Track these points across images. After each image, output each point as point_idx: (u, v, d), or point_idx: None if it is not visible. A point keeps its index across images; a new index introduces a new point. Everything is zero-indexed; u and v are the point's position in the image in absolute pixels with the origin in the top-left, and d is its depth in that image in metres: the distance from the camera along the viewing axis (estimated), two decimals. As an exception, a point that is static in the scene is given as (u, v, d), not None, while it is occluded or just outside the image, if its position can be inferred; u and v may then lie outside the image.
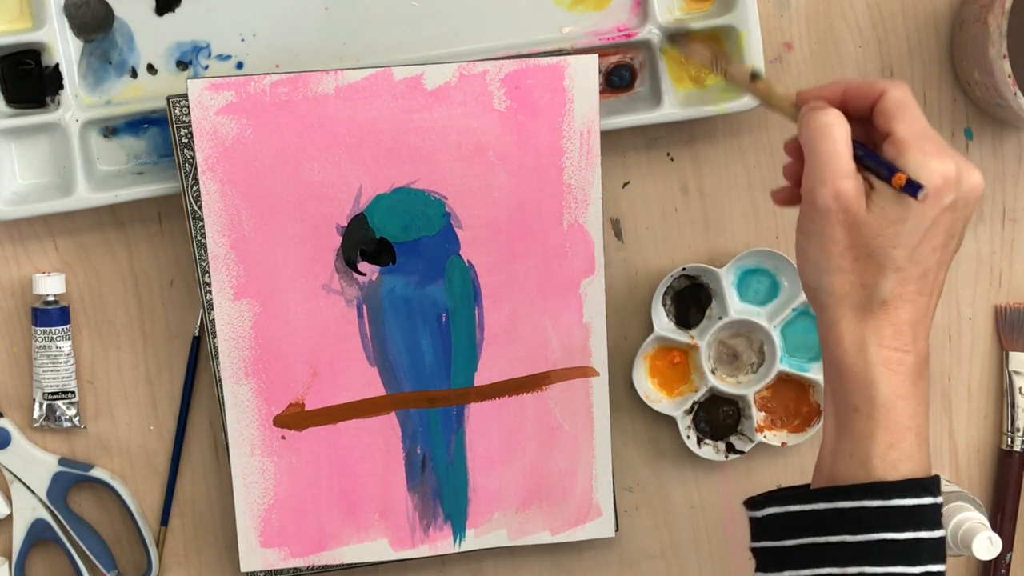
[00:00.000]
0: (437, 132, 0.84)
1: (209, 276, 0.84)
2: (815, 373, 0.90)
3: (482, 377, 0.87)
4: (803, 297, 0.89)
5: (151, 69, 0.86)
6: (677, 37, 0.83)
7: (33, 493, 0.88)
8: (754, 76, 0.73)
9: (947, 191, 0.64)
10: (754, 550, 0.69)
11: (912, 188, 0.63)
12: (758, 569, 0.68)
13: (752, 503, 0.69)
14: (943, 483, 0.87)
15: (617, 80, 0.88)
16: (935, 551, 0.65)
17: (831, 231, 0.65)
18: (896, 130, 0.65)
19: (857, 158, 0.65)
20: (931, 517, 0.65)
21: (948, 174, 0.64)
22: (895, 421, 0.65)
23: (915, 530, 0.65)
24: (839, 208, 0.64)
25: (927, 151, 0.64)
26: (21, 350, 0.89)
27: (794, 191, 0.71)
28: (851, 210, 0.64)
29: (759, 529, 0.69)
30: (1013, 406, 0.92)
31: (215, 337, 0.85)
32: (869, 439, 0.65)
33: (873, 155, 0.65)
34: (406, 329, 0.86)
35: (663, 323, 0.90)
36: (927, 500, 0.65)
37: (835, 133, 0.65)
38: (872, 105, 0.67)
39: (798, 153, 0.70)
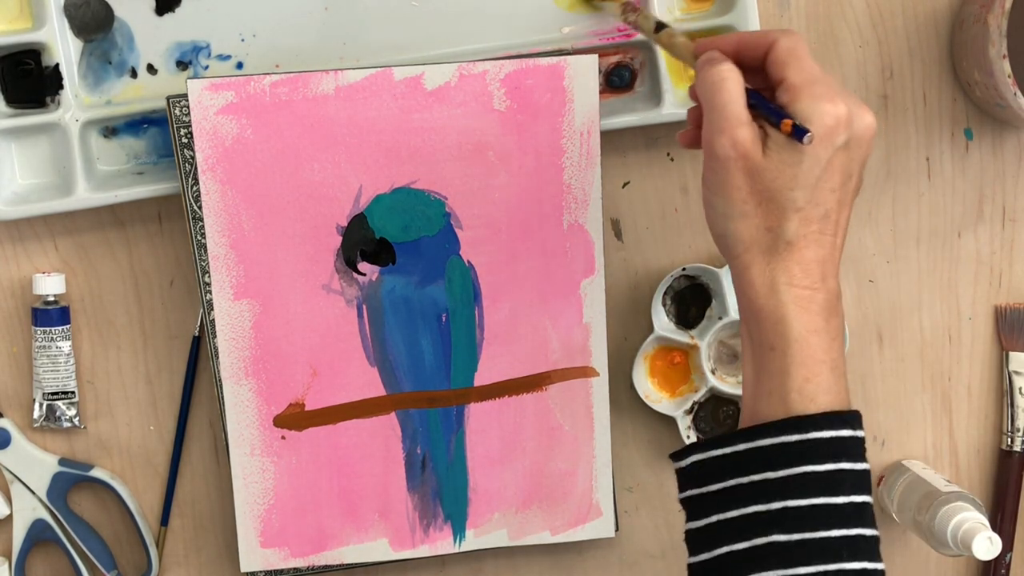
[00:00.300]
0: (437, 132, 0.84)
1: (209, 276, 0.84)
2: (815, 373, 0.90)
3: (482, 377, 0.87)
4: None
5: (151, 69, 0.86)
6: None
7: (33, 493, 0.88)
8: (659, 27, 0.77)
9: (838, 132, 0.66)
10: (682, 501, 0.69)
11: (799, 133, 0.65)
12: (688, 520, 0.69)
13: (676, 454, 0.70)
14: (943, 483, 0.87)
15: (617, 80, 0.88)
16: (858, 482, 0.66)
17: (732, 178, 0.66)
18: (787, 77, 0.67)
19: (751, 106, 0.67)
20: (852, 449, 0.66)
21: (839, 115, 0.66)
22: (810, 356, 0.66)
23: (835, 462, 0.65)
24: (737, 155, 0.66)
25: (817, 94, 0.66)
26: (21, 350, 0.89)
27: (697, 134, 0.72)
28: (748, 156, 0.66)
29: (685, 479, 0.69)
30: (1013, 406, 0.92)
31: (215, 337, 0.85)
32: (786, 375, 0.66)
33: (764, 102, 0.67)
34: (406, 329, 0.86)
35: (663, 323, 0.90)
36: (846, 432, 0.65)
37: (729, 85, 0.67)
38: (764, 55, 0.68)
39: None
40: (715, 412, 0.91)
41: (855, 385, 0.92)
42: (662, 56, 0.86)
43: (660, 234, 0.90)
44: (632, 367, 0.90)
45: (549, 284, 0.87)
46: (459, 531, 0.89)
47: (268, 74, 0.82)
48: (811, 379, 0.66)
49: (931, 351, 0.93)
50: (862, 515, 0.65)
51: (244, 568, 0.88)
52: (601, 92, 0.86)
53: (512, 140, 0.85)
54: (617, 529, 0.90)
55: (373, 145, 0.84)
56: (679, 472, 0.70)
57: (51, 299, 0.87)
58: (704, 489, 0.67)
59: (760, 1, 0.87)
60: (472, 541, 0.89)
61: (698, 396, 0.90)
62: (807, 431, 0.65)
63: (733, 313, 0.88)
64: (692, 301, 0.90)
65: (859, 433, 0.66)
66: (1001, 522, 0.92)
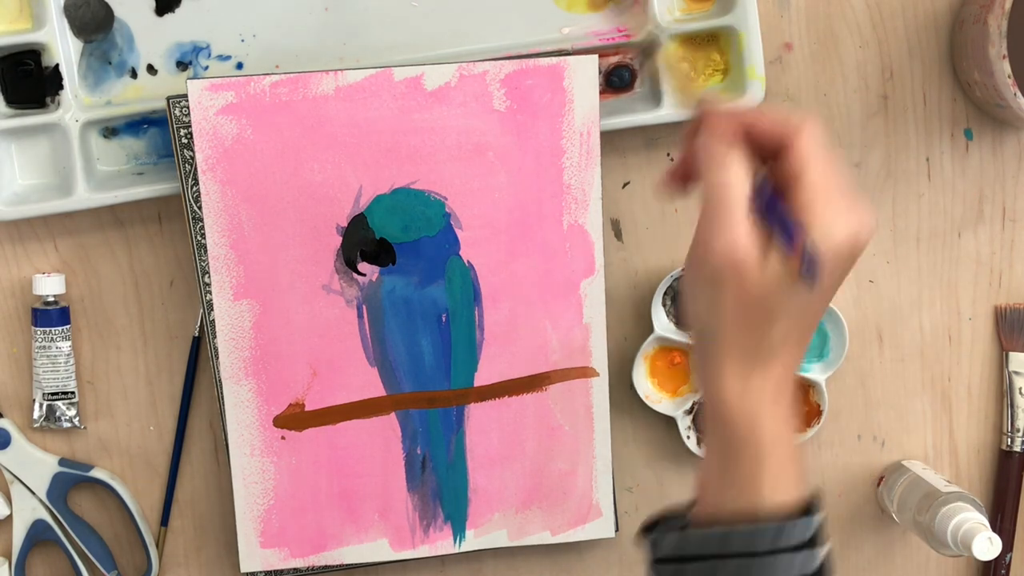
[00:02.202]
0: (437, 132, 0.84)
1: (209, 276, 0.84)
2: (815, 373, 0.90)
3: (482, 377, 0.87)
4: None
5: (151, 69, 0.86)
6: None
7: (33, 493, 0.88)
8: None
9: (846, 254, 0.63)
10: (653, 569, 0.68)
11: (808, 274, 0.61)
12: None
13: (648, 528, 0.69)
14: (943, 484, 0.87)
15: (617, 81, 0.88)
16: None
17: (722, 289, 0.63)
18: (805, 181, 0.62)
19: (758, 208, 0.62)
20: (815, 538, 0.64)
21: (855, 234, 0.62)
22: (778, 457, 0.64)
23: (798, 551, 0.64)
24: (733, 273, 0.62)
25: (839, 209, 0.62)
26: (21, 350, 0.89)
27: (684, 183, 0.69)
28: (745, 275, 0.62)
29: (656, 549, 0.68)
30: (1013, 406, 0.92)
31: (215, 337, 0.85)
32: (755, 477, 0.64)
33: (777, 215, 0.62)
34: (406, 329, 0.86)
35: (663, 323, 0.90)
36: (813, 525, 0.64)
37: (735, 194, 0.62)
38: (780, 143, 0.64)
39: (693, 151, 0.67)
40: (715, 412, 0.91)
41: (855, 385, 0.92)
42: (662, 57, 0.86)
43: (660, 234, 0.90)
44: (632, 367, 0.90)
45: (549, 284, 0.87)
46: (459, 531, 0.89)
47: (268, 74, 0.82)
48: (780, 479, 0.64)
49: (931, 351, 0.93)
50: None
51: (244, 568, 0.88)
52: (601, 92, 0.86)
53: (512, 140, 0.85)
54: (617, 529, 0.90)
55: (373, 145, 0.84)
56: (650, 542, 0.69)
57: (51, 299, 0.87)
58: (667, 565, 0.67)
59: (760, 1, 0.87)
60: (472, 541, 0.89)
61: (698, 396, 0.90)
62: (779, 536, 0.63)
63: (733, 313, 0.88)
64: (692, 301, 0.90)
65: (819, 521, 0.65)
66: (1001, 522, 0.92)
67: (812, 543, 0.64)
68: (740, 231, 0.62)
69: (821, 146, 0.63)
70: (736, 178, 0.63)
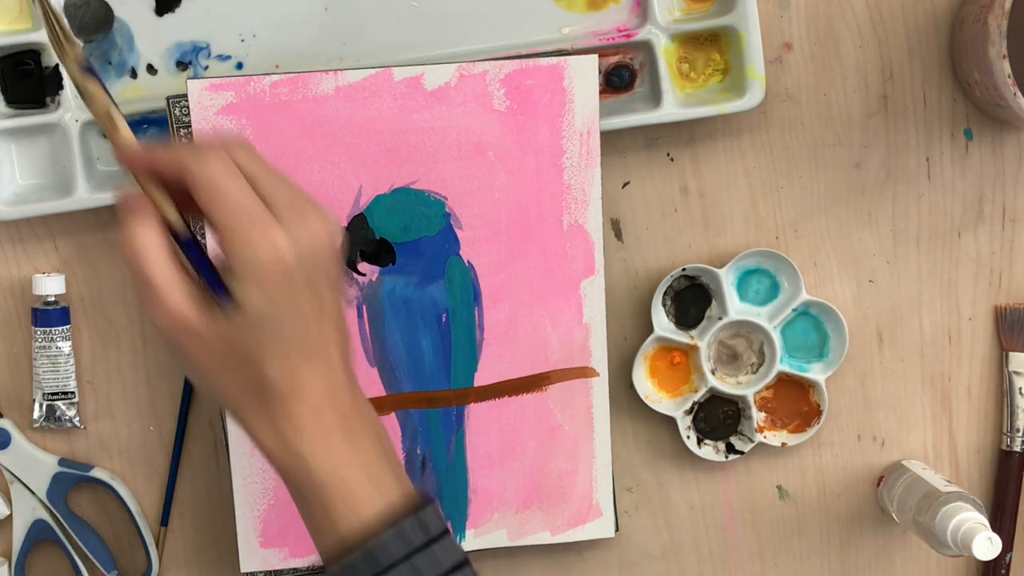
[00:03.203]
0: (437, 132, 0.84)
1: (209, 276, 0.84)
2: (815, 373, 0.90)
3: (482, 377, 0.87)
4: (803, 297, 0.89)
5: (151, 69, 0.86)
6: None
7: (33, 494, 0.88)
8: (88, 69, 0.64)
9: (280, 271, 0.60)
10: None
11: (221, 299, 0.61)
12: None
13: None
14: (943, 484, 0.87)
15: (617, 80, 0.88)
16: (441, 555, 0.63)
17: (186, 349, 0.61)
18: (211, 216, 0.60)
19: (192, 258, 0.61)
20: (422, 532, 0.63)
21: (277, 249, 0.60)
22: (344, 491, 0.62)
23: (409, 559, 0.62)
24: (179, 330, 0.61)
25: (245, 234, 0.60)
26: (21, 350, 0.89)
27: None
28: (193, 327, 0.60)
29: None
30: (1013, 406, 0.92)
31: (215, 337, 0.85)
32: (328, 516, 0.63)
33: (198, 259, 0.61)
34: (406, 329, 0.86)
35: (663, 323, 0.90)
36: (408, 524, 0.62)
37: (148, 254, 0.60)
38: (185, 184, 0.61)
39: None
40: (715, 412, 0.91)
41: (855, 385, 0.92)
42: (662, 57, 0.86)
43: (660, 234, 0.90)
44: (632, 367, 0.90)
45: (549, 284, 0.87)
46: (459, 531, 0.89)
47: (268, 74, 0.82)
48: (354, 508, 0.62)
49: (931, 351, 0.93)
50: None
51: (244, 568, 0.88)
52: (601, 92, 0.86)
53: (512, 140, 0.85)
54: (617, 529, 0.90)
55: (373, 145, 0.84)
56: None
57: (51, 299, 0.87)
58: None
59: (760, 1, 0.87)
60: (472, 541, 0.89)
61: (698, 396, 0.90)
62: (378, 559, 0.62)
63: (733, 313, 0.89)
64: (692, 301, 0.90)
65: (420, 518, 0.63)
66: (1001, 522, 0.92)
67: (410, 556, 0.62)
68: (170, 301, 0.60)
69: (215, 178, 0.61)
70: (147, 239, 0.61)
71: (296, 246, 0.61)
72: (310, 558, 0.88)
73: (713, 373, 0.90)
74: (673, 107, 0.86)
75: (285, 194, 0.62)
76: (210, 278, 0.62)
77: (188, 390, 0.89)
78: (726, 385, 0.90)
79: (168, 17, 0.85)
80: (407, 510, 0.63)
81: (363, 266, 0.85)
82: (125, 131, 0.64)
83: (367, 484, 0.63)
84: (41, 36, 0.84)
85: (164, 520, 0.90)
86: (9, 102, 0.85)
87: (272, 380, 0.62)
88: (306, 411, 0.63)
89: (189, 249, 0.62)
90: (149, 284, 0.61)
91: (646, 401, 0.90)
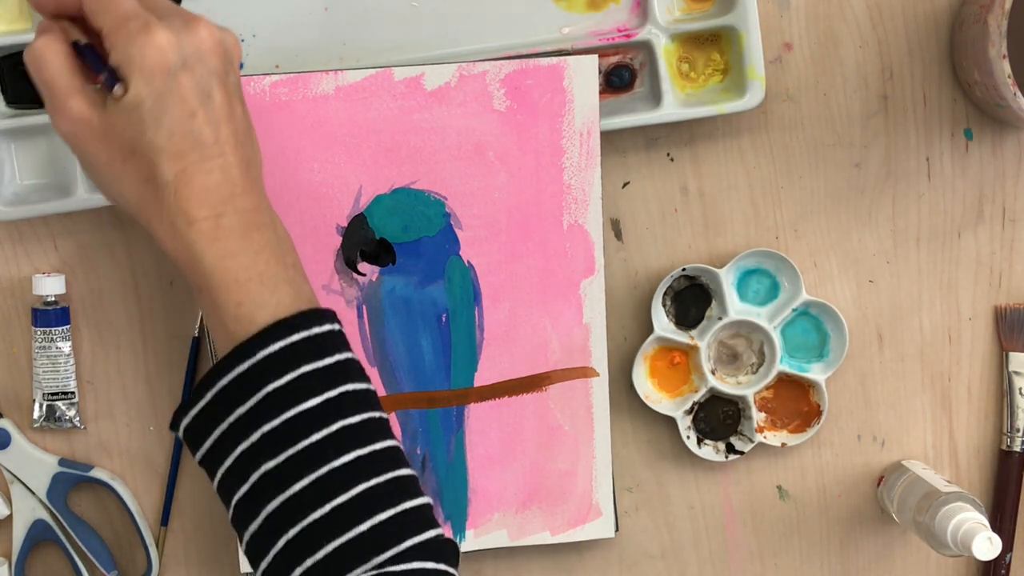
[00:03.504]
0: (437, 132, 0.84)
1: (209, 276, 0.84)
2: (815, 373, 0.90)
3: (482, 377, 0.87)
4: (803, 297, 0.89)
5: (151, 69, 0.86)
6: None
7: (33, 494, 0.88)
8: None
9: (163, 64, 0.64)
10: (200, 465, 0.69)
11: (110, 84, 0.65)
12: (210, 479, 0.68)
13: (173, 424, 0.68)
14: (943, 484, 0.87)
15: (617, 80, 0.88)
16: (326, 379, 0.65)
17: (88, 148, 0.66)
18: (101, 25, 0.65)
19: (85, 64, 0.66)
20: (313, 349, 0.65)
21: (160, 46, 0.64)
22: (232, 281, 0.65)
23: (296, 369, 0.64)
24: (79, 130, 0.65)
25: (132, 32, 0.64)
26: (21, 350, 0.89)
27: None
28: (89, 126, 0.65)
29: (190, 444, 0.68)
30: (1013, 406, 0.92)
31: (215, 337, 0.85)
32: (218, 308, 0.65)
33: (91, 57, 0.66)
34: (406, 329, 0.86)
35: (663, 323, 0.90)
36: (297, 336, 0.65)
37: (47, 60, 0.66)
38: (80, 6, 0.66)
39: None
40: (715, 412, 0.91)
41: (855, 385, 0.92)
42: (662, 57, 0.86)
43: (660, 234, 0.90)
44: (632, 367, 0.89)
45: (549, 284, 0.87)
46: (459, 531, 0.89)
47: (268, 74, 0.82)
48: (242, 302, 0.65)
49: (931, 351, 0.93)
50: (341, 408, 0.65)
51: (244, 568, 0.88)
52: (601, 92, 0.86)
53: (512, 140, 0.85)
54: (617, 529, 0.90)
55: (373, 145, 0.83)
56: (184, 440, 0.68)
57: (51, 299, 0.87)
58: (201, 449, 0.67)
59: (760, 1, 0.87)
60: (472, 541, 0.89)
61: (698, 396, 0.90)
62: (254, 353, 0.64)
63: (733, 313, 0.88)
64: (692, 301, 0.90)
65: (316, 330, 0.65)
66: (1001, 522, 0.92)
67: (298, 364, 0.64)
68: (66, 93, 0.65)
69: None
70: (46, 47, 0.66)
71: (179, 45, 0.65)
72: (310, 558, 0.88)
73: (713, 373, 0.90)
74: (673, 107, 0.86)
75: (176, 9, 0.67)
76: (108, 75, 0.66)
77: (188, 390, 0.89)
78: (726, 385, 0.90)
79: (168, 17, 0.85)
80: (297, 320, 0.65)
81: (363, 266, 0.85)
82: None
83: (260, 288, 0.66)
84: (41, 36, 0.84)
85: (164, 520, 0.90)
86: (9, 102, 0.85)
87: (161, 169, 0.65)
88: (197, 205, 0.66)
89: (87, 54, 0.67)
90: (52, 88, 0.66)
91: (646, 401, 0.90)
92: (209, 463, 0.67)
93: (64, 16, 0.68)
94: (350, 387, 0.66)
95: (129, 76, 0.64)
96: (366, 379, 0.68)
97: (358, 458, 0.65)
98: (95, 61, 0.66)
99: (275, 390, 0.64)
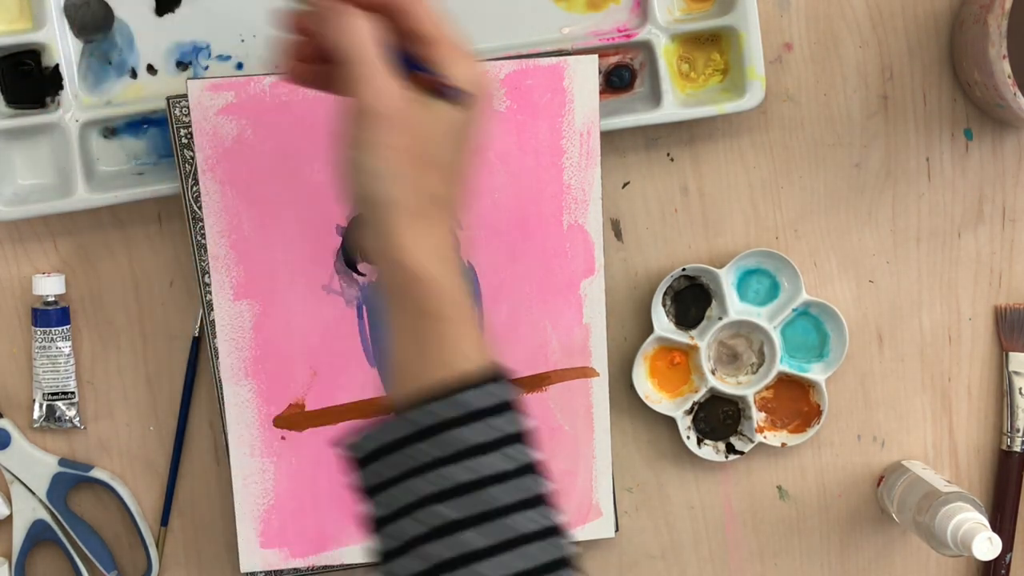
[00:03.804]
0: (437, 132, 0.84)
1: (209, 276, 0.84)
2: (815, 373, 0.90)
3: (482, 377, 0.87)
4: (803, 297, 0.89)
5: (151, 69, 0.86)
6: None
7: (33, 494, 0.88)
8: None
9: (489, 96, 0.67)
10: (365, 494, 0.65)
11: (453, 93, 0.65)
12: (375, 511, 0.64)
13: (352, 446, 0.65)
14: (943, 484, 0.87)
15: (617, 80, 0.88)
16: (524, 443, 0.64)
17: (385, 136, 0.63)
18: (420, 29, 0.65)
19: (397, 61, 0.65)
20: (507, 406, 0.64)
21: (479, 76, 0.66)
22: (466, 316, 0.64)
23: (500, 428, 0.63)
24: (394, 113, 0.63)
25: (464, 55, 0.65)
26: (21, 350, 0.89)
27: (313, 69, 0.70)
28: (406, 114, 0.64)
29: (363, 471, 0.65)
30: (1013, 406, 0.92)
31: (215, 338, 0.85)
32: (452, 340, 0.64)
33: (410, 60, 0.65)
34: (406, 329, 0.86)
35: (663, 323, 0.90)
36: (499, 390, 0.63)
37: (364, 41, 0.64)
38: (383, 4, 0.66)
39: (311, 32, 0.69)
40: (715, 412, 0.91)
41: (855, 385, 0.92)
42: (662, 57, 0.86)
43: (660, 234, 0.90)
44: (632, 367, 0.90)
45: (549, 284, 0.87)
46: (459, 531, 0.89)
47: (268, 74, 0.82)
48: (462, 342, 0.64)
49: (931, 351, 0.93)
50: (536, 477, 0.63)
51: (244, 568, 0.88)
52: (601, 92, 0.86)
53: (512, 140, 0.85)
54: (617, 529, 0.90)
55: (373, 145, 0.83)
56: (357, 462, 0.65)
57: (51, 299, 0.87)
58: (381, 476, 0.64)
59: (760, 2, 0.87)
60: (472, 541, 0.89)
61: (698, 396, 0.90)
62: (462, 390, 0.62)
63: (733, 313, 0.88)
64: (692, 301, 0.90)
65: (508, 393, 0.64)
66: (1001, 522, 0.92)
67: (505, 407, 0.63)
68: (383, 79, 0.63)
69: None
70: (363, 26, 0.64)
71: (485, 84, 0.66)
72: (310, 558, 0.88)
73: (713, 373, 0.90)
74: (673, 107, 0.86)
75: (455, 34, 0.67)
76: (421, 68, 0.65)
77: (188, 390, 0.89)
78: (726, 385, 0.90)
79: (168, 17, 0.85)
80: (491, 373, 0.64)
81: (363, 266, 0.85)
82: None
83: (473, 334, 0.65)
84: (41, 36, 0.84)
85: (164, 520, 0.90)
86: (9, 102, 0.85)
87: (437, 187, 0.65)
88: (447, 231, 0.66)
89: (402, 53, 0.65)
90: (365, 62, 0.63)
91: (646, 401, 0.90)
92: (380, 493, 0.64)
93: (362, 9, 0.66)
94: (536, 455, 0.65)
95: (460, 81, 0.65)
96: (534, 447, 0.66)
97: (546, 528, 0.63)
98: (414, 64, 0.65)
99: (474, 446, 0.62)
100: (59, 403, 0.88)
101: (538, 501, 0.63)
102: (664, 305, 0.90)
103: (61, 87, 0.85)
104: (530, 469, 0.63)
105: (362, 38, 0.64)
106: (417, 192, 0.64)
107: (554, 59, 0.84)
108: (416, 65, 0.65)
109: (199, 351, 0.89)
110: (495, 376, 0.63)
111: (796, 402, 0.91)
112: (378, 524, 0.64)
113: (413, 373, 0.64)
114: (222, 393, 0.85)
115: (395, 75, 0.64)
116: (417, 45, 0.66)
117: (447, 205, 0.66)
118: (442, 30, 0.66)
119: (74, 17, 0.85)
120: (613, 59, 0.88)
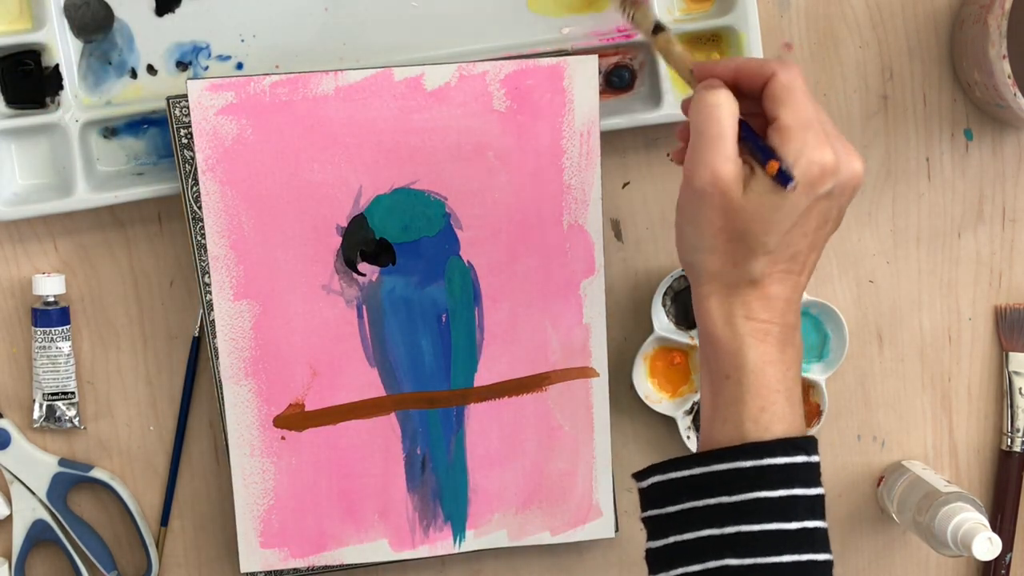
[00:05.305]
0: (437, 132, 0.84)
1: (209, 276, 0.84)
2: (815, 373, 0.90)
3: (482, 378, 0.87)
4: (803, 297, 0.89)
5: (151, 70, 0.86)
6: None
7: (33, 494, 0.88)
8: (657, 28, 0.74)
9: (823, 182, 0.65)
10: (643, 520, 0.70)
11: (783, 178, 0.64)
12: (648, 539, 0.70)
13: (639, 474, 0.70)
14: (943, 484, 0.87)
15: (617, 81, 0.88)
16: (811, 507, 0.66)
17: (706, 213, 0.66)
18: (780, 116, 0.66)
19: (741, 139, 0.66)
20: (806, 475, 0.66)
21: (826, 164, 0.65)
22: (764, 385, 0.67)
23: (788, 488, 0.65)
24: (716, 191, 0.65)
25: (808, 141, 0.65)
26: (21, 350, 0.89)
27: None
28: (728, 194, 0.65)
29: (645, 499, 0.70)
30: (1013, 406, 0.92)
31: (215, 338, 0.85)
32: (741, 404, 0.67)
33: (755, 138, 0.66)
34: (406, 330, 0.86)
35: (663, 323, 0.90)
36: (800, 459, 0.66)
37: (721, 114, 0.66)
38: (762, 86, 0.67)
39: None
40: (715, 412, 0.91)
41: (855, 385, 0.92)
42: (662, 57, 0.86)
43: (660, 234, 0.90)
44: (632, 367, 0.90)
45: (549, 284, 0.87)
46: (459, 532, 0.89)
47: (268, 74, 0.82)
48: (766, 408, 0.67)
49: (931, 351, 0.93)
50: (814, 540, 0.66)
51: (244, 569, 0.88)
52: (601, 92, 0.86)
53: (512, 140, 0.85)
54: (617, 530, 0.90)
55: (373, 145, 0.83)
56: (641, 492, 0.70)
57: (51, 300, 0.87)
58: (663, 510, 0.68)
59: (760, 2, 0.87)
60: (472, 542, 0.89)
61: (698, 396, 0.90)
62: (761, 457, 0.66)
63: (733, 313, 0.88)
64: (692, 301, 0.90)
65: (813, 459, 0.67)
66: (1001, 522, 0.92)
67: (793, 483, 0.65)
68: (726, 155, 0.65)
69: (797, 89, 0.67)
70: (726, 102, 0.66)
71: (838, 172, 0.66)
72: (310, 558, 0.88)
73: (713, 373, 0.90)
74: (673, 107, 0.86)
75: (839, 135, 0.68)
76: (766, 152, 0.65)
77: (188, 390, 0.89)
78: (726, 385, 0.90)
79: (168, 17, 0.85)
80: (803, 443, 0.67)
81: (363, 266, 0.85)
82: (685, 54, 0.73)
83: (784, 403, 0.67)
84: (41, 36, 0.84)
85: (164, 520, 0.90)
86: (9, 102, 0.85)
87: (752, 267, 0.67)
88: (760, 306, 0.68)
89: (747, 131, 0.66)
90: (712, 142, 0.65)
91: (646, 401, 0.90)
92: (664, 526, 0.69)
93: (728, 84, 0.68)
94: (822, 524, 0.67)
95: (796, 183, 0.65)
96: (825, 517, 0.69)
97: None
98: (756, 144, 0.66)
99: (764, 499, 0.66)
100: (59, 403, 0.88)
101: (817, 570, 0.66)
102: (664, 305, 0.90)
103: (61, 87, 0.85)
104: (814, 537, 0.66)
105: (719, 120, 0.66)
106: (730, 266, 0.67)
107: (554, 59, 0.84)
108: (753, 136, 0.66)
109: (199, 351, 0.89)
110: (795, 444, 0.66)
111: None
112: (653, 553, 0.70)
113: (707, 420, 0.69)
114: (222, 393, 0.85)
115: (735, 151, 0.66)
116: (772, 125, 0.66)
117: (768, 284, 0.67)
118: (801, 118, 0.66)
119: (74, 17, 0.85)
120: (613, 59, 0.88)
